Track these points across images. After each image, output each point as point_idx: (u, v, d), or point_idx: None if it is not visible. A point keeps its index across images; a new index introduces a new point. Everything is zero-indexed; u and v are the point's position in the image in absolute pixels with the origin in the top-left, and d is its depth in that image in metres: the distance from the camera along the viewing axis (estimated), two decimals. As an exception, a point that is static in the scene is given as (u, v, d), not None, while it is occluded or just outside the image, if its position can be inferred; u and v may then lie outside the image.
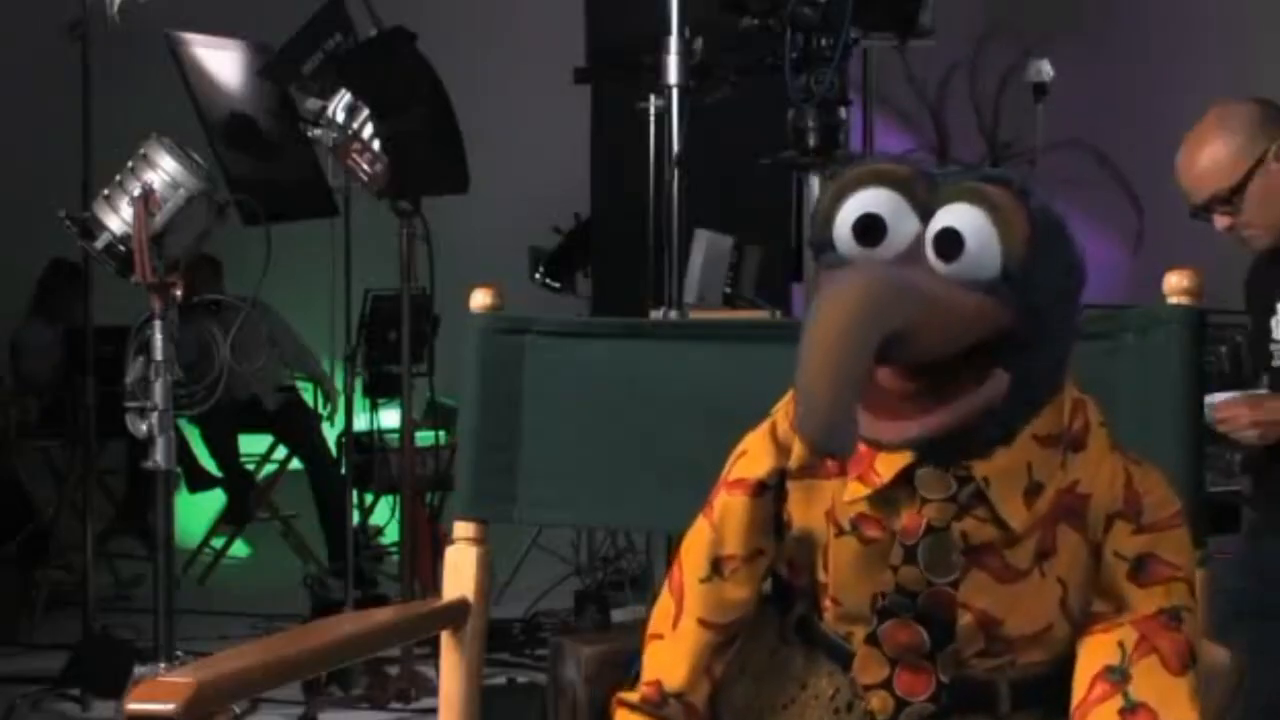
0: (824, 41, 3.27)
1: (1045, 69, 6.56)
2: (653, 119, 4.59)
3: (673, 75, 3.46)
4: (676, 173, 3.45)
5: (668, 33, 3.45)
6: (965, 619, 1.57)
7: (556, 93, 5.63)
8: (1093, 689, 1.57)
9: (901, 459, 1.56)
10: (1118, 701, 1.56)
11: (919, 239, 1.51)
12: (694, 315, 3.58)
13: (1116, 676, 1.57)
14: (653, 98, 4.41)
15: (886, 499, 1.57)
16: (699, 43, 3.56)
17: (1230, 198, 2.98)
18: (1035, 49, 6.75)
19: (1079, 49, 7.45)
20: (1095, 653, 1.59)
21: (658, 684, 1.71)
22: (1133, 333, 1.87)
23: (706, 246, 4.06)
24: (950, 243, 1.49)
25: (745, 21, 3.43)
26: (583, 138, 5.93)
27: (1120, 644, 1.58)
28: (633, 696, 1.72)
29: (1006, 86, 1.46)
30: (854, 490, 1.59)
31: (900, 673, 1.59)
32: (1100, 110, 7.62)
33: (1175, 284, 1.88)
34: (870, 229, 1.52)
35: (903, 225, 1.52)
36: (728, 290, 4.23)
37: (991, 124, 1.48)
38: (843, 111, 3.31)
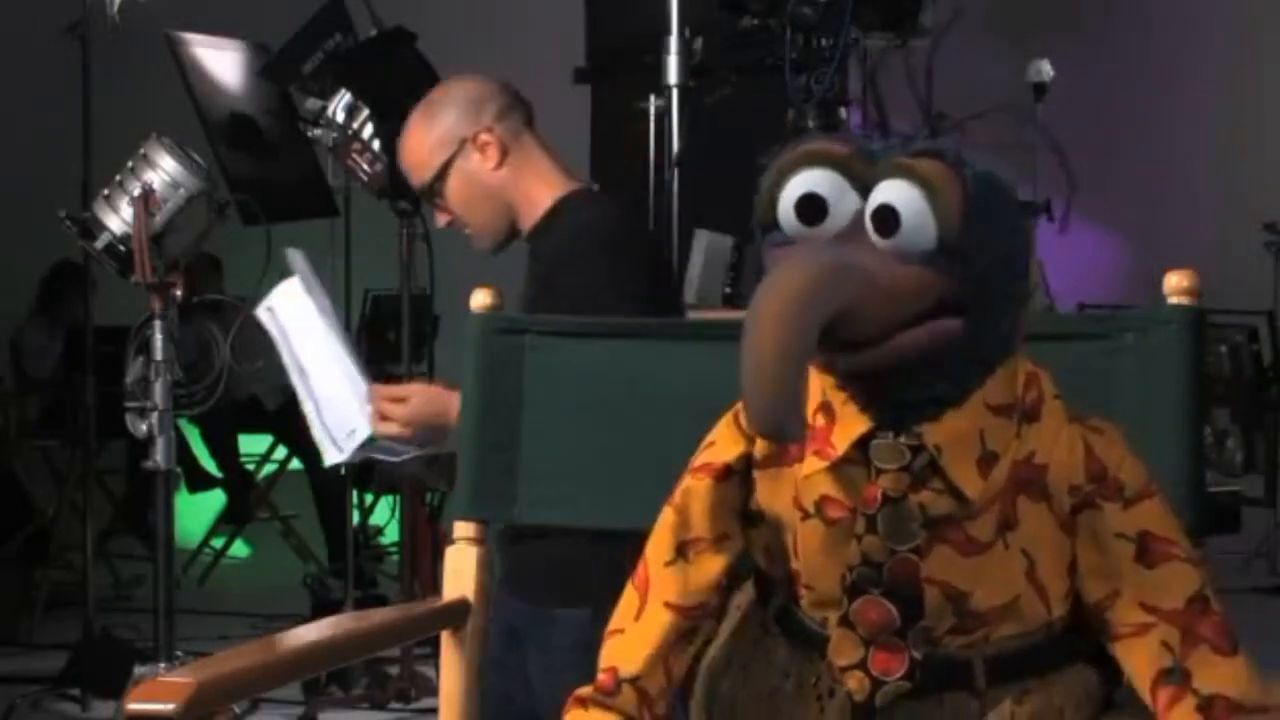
0: (824, 41, 3.27)
1: (1045, 69, 6.56)
2: (653, 119, 4.59)
3: (673, 75, 3.46)
4: (676, 173, 3.45)
5: (668, 33, 3.45)
6: (932, 593, 1.58)
7: (556, 93, 5.62)
8: (1157, 698, 1.58)
9: (856, 428, 1.57)
10: (1190, 700, 1.56)
11: (859, 215, 1.53)
12: (694, 315, 3.58)
13: (1176, 678, 1.57)
14: (653, 98, 4.41)
15: (844, 473, 1.58)
16: (699, 43, 3.56)
17: (433, 192, 2.61)
18: (1034, 47, 6.77)
19: (1079, 49, 7.45)
20: (1142, 662, 1.59)
21: (613, 670, 1.69)
22: (1133, 333, 1.87)
23: (706, 246, 4.06)
24: (886, 219, 1.50)
25: (745, 21, 3.43)
26: (583, 138, 5.92)
27: (1164, 644, 1.58)
28: (586, 690, 1.71)
29: (936, 53, 1.45)
30: (811, 465, 1.60)
31: (875, 653, 1.59)
32: (1100, 110, 7.62)
33: (1175, 284, 1.87)
34: (812, 208, 1.54)
35: (843, 203, 1.54)
36: (728, 290, 4.23)
37: (926, 95, 1.47)
38: (843, 111, 3.32)
